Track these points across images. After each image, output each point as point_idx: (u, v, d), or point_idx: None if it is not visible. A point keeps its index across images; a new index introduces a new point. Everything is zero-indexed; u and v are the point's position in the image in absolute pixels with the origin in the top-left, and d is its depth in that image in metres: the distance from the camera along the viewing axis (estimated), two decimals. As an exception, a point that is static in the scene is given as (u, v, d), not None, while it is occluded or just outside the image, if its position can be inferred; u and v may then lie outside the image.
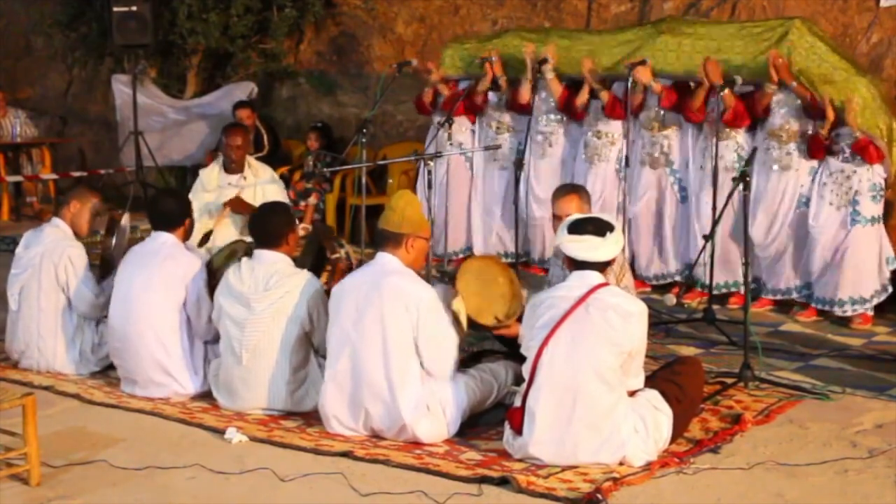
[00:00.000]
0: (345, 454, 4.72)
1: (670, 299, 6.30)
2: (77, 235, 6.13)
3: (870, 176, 6.89)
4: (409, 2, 10.34)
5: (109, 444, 4.92)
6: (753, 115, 7.25)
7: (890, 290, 6.99)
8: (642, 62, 7.41)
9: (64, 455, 4.75)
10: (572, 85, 8.08)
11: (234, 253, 5.84)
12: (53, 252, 5.96)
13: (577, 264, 4.62)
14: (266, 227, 5.38)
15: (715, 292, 7.09)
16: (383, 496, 4.31)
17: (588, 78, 7.86)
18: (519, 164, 7.40)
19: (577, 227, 4.63)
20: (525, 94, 8.17)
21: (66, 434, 5.06)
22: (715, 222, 6.37)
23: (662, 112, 7.63)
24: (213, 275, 5.66)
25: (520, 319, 5.08)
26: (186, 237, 5.85)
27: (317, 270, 5.62)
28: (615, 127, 7.87)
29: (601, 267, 4.64)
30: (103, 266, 6.26)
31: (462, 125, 8.51)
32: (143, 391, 5.59)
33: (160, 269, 5.58)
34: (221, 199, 7.21)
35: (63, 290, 5.96)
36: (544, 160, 8.23)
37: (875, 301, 6.98)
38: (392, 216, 4.97)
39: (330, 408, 4.98)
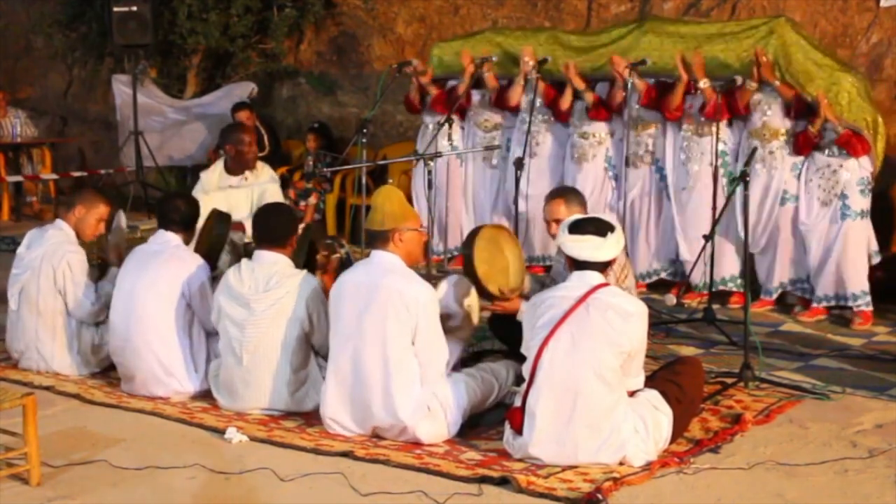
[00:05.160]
0: (345, 454, 4.72)
1: (670, 299, 6.31)
2: (80, 240, 6.11)
3: (857, 170, 6.93)
4: (409, 2, 10.34)
5: (109, 444, 4.92)
6: (733, 112, 7.27)
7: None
8: (642, 62, 7.43)
9: (64, 455, 4.75)
10: (557, 85, 8.09)
11: (213, 218, 5.93)
12: (54, 255, 5.94)
13: (577, 264, 4.63)
14: (271, 227, 5.38)
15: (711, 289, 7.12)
16: (383, 496, 4.31)
17: (570, 81, 7.86)
18: (519, 164, 7.40)
19: (578, 227, 4.64)
20: (514, 95, 8.19)
21: (66, 434, 5.06)
22: (715, 222, 6.40)
23: (642, 109, 7.63)
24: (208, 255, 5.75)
25: (522, 296, 5.10)
26: (189, 240, 5.86)
27: (309, 269, 5.62)
28: (600, 127, 7.91)
29: (602, 267, 4.65)
30: (101, 266, 6.26)
31: (453, 124, 8.49)
32: (143, 390, 5.59)
33: (165, 268, 5.59)
34: (223, 200, 7.20)
35: (60, 294, 5.96)
36: (532, 159, 8.23)
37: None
38: (374, 215, 4.98)
39: (330, 408, 4.98)
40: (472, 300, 5.14)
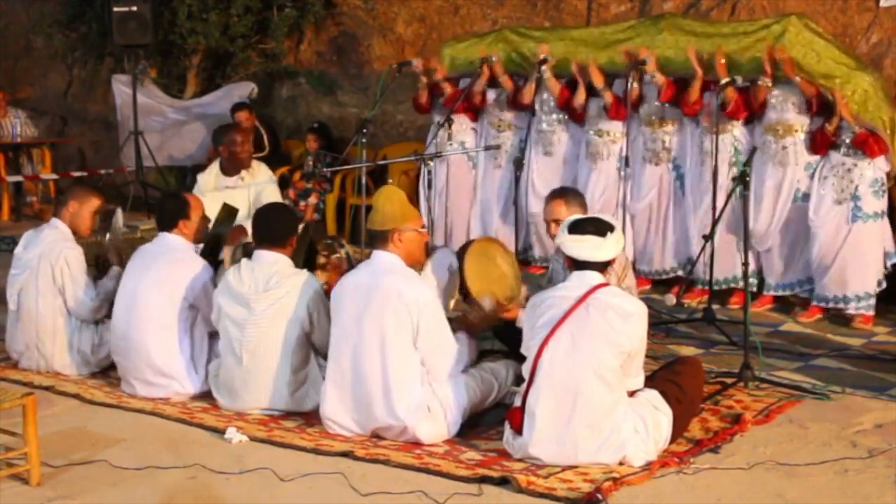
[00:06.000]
0: (345, 454, 4.72)
1: (670, 299, 6.30)
2: (77, 236, 6.12)
3: (871, 171, 6.90)
4: (409, 2, 10.34)
5: (109, 444, 4.92)
6: (750, 110, 7.25)
7: (884, 284, 7.00)
8: (642, 62, 7.42)
9: (64, 455, 4.75)
10: (571, 84, 8.07)
11: (228, 215, 5.93)
12: (51, 254, 5.94)
13: (577, 264, 4.63)
14: (271, 227, 5.38)
15: (715, 287, 7.10)
16: (383, 496, 4.31)
17: (591, 77, 7.82)
18: (518, 164, 7.40)
19: (578, 227, 4.64)
20: (528, 94, 8.16)
21: (66, 434, 5.06)
22: (715, 222, 6.40)
23: (662, 105, 7.61)
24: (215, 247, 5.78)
25: (520, 305, 5.11)
26: (197, 238, 5.85)
27: (308, 268, 5.63)
28: (616, 125, 7.86)
29: (601, 267, 4.65)
30: (98, 264, 6.26)
31: (463, 124, 8.44)
32: (143, 390, 5.59)
33: (168, 269, 5.60)
34: (221, 200, 7.19)
35: (59, 293, 5.95)
36: (546, 159, 8.21)
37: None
38: (374, 215, 4.99)
39: (330, 408, 4.98)
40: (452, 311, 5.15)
